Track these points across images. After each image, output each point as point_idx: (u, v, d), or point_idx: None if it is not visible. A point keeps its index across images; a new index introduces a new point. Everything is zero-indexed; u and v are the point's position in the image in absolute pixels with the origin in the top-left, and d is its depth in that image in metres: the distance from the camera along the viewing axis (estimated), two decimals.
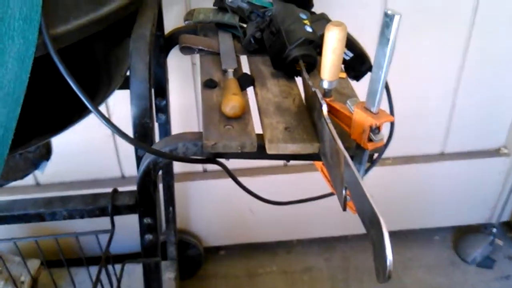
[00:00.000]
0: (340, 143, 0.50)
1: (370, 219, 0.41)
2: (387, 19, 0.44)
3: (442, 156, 1.49)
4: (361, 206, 0.43)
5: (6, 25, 0.48)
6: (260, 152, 0.62)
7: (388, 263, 0.38)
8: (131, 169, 1.38)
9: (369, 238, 0.42)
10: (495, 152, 1.50)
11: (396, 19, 0.43)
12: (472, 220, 1.64)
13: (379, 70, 0.48)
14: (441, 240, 1.65)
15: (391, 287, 1.48)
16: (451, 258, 1.59)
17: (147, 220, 0.72)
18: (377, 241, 0.40)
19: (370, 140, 0.53)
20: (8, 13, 0.48)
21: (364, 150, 0.55)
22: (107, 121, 0.55)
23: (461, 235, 1.64)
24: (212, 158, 0.66)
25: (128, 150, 1.33)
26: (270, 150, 0.61)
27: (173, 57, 1.02)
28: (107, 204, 0.71)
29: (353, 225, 1.56)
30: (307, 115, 0.66)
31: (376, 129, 0.52)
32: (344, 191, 0.50)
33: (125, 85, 0.76)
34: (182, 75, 1.23)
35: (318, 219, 1.54)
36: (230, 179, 1.33)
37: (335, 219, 1.54)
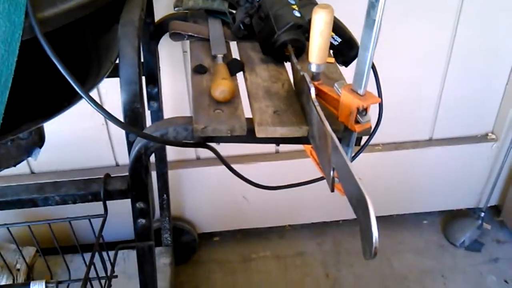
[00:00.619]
0: (327, 125, 0.51)
1: (357, 198, 0.42)
2: (373, 0, 0.45)
3: (430, 142, 1.51)
4: (349, 186, 0.44)
5: None
6: (249, 136, 0.63)
7: (374, 240, 0.39)
8: (124, 157, 1.37)
9: (357, 217, 0.43)
10: (483, 138, 1.52)
11: (382, 0, 0.44)
12: (461, 204, 1.67)
13: (365, 52, 0.49)
14: (430, 225, 1.68)
15: (381, 271, 1.51)
16: (440, 242, 1.62)
17: (139, 205, 0.73)
18: (363, 219, 0.41)
19: (357, 122, 0.54)
20: None
21: (352, 132, 0.56)
22: (97, 105, 0.56)
23: (449, 220, 1.66)
24: (202, 142, 0.66)
25: (121, 138, 1.33)
26: (259, 134, 0.62)
27: (165, 44, 1.02)
28: (99, 189, 0.71)
29: (344, 210, 1.59)
30: (296, 99, 0.67)
31: (363, 111, 0.53)
32: (332, 173, 0.51)
33: (115, 73, 0.77)
34: (174, 62, 1.23)
35: (309, 205, 1.56)
36: (223, 166, 1.34)
37: (327, 205, 1.56)
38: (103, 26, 0.69)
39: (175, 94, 1.28)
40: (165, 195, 1.32)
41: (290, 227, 1.66)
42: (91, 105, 0.55)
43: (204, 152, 1.42)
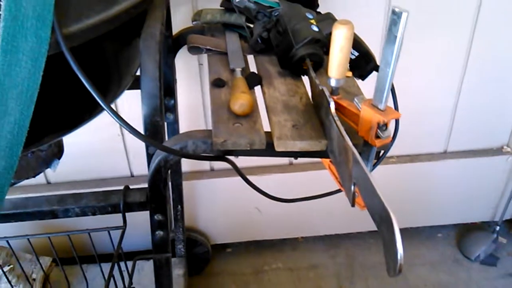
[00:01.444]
0: (348, 140, 0.51)
1: (380, 214, 0.42)
2: (395, 17, 0.45)
3: (445, 155, 1.50)
4: (371, 201, 0.44)
5: (19, 24, 0.50)
6: (268, 149, 0.63)
7: (399, 257, 0.39)
8: (140, 168, 1.39)
9: (379, 233, 0.43)
10: (498, 151, 1.51)
11: (404, 16, 0.45)
12: (475, 218, 1.65)
13: (386, 68, 0.49)
14: (444, 238, 1.67)
15: (395, 284, 1.49)
16: (454, 256, 1.60)
17: (158, 217, 0.73)
18: (387, 235, 0.41)
19: (377, 137, 0.54)
20: (21, 12, 0.50)
21: (372, 147, 0.56)
22: (120, 118, 0.56)
23: (464, 233, 1.65)
24: (221, 155, 0.67)
25: (137, 149, 1.35)
26: (278, 147, 0.62)
27: (180, 57, 1.03)
28: (119, 201, 0.72)
29: (357, 222, 1.58)
30: (314, 113, 0.67)
31: (384, 126, 0.53)
32: (352, 187, 0.51)
33: (134, 85, 0.78)
34: (189, 75, 1.24)
35: (323, 217, 1.55)
36: (236, 178, 1.34)
37: (340, 217, 1.55)
38: (125, 40, 0.70)
39: (190, 106, 1.30)
40: (179, 206, 1.32)
41: (303, 239, 1.66)
42: (114, 118, 0.56)
43: (218, 164, 1.43)
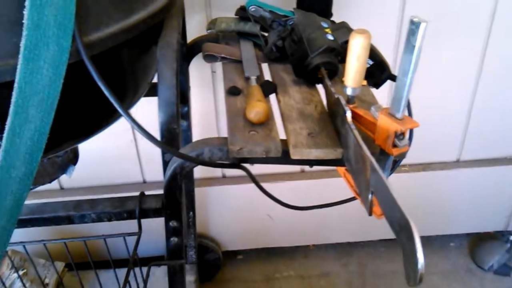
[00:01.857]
0: (366, 149, 0.51)
1: (400, 223, 0.42)
2: (413, 27, 0.46)
3: (458, 164, 1.49)
4: (390, 210, 0.44)
5: (41, 32, 0.51)
6: (284, 157, 0.64)
7: (419, 266, 0.39)
8: (152, 174, 1.40)
9: (398, 241, 0.43)
10: None
11: (422, 26, 0.45)
12: (489, 227, 1.64)
13: (404, 77, 0.49)
14: (457, 247, 1.65)
15: None
16: (467, 265, 1.58)
17: (173, 224, 0.74)
18: (407, 244, 0.41)
19: (394, 145, 0.54)
20: (43, 20, 0.50)
21: (389, 156, 0.56)
22: (138, 126, 0.57)
23: (477, 242, 1.63)
24: (237, 163, 0.67)
25: (149, 156, 1.36)
26: (294, 155, 0.62)
27: (194, 65, 1.04)
28: (135, 207, 0.73)
29: (369, 231, 1.57)
30: (330, 122, 0.67)
31: (401, 135, 0.53)
32: (370, 196, 0.51)
33: (150, 92, 0.79)
34: (203, 82, 1.25)
35: (334, 225, 1.55)
36: (248, 185, 1.35)
37: (352, 225, 1.55)
38: (142, 48, 0.71)
39: (203, 114, 1.30)
40: (191, 213, 1.33)
41: (314, 247, 1.65)
42: (133, 126, 0.57)
43: (230, 171, 1.43)
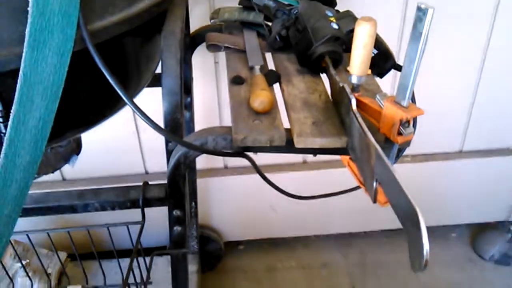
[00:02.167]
0: (371, 137, 0.51)
1: (405, 210, 0.42)
2: (420, 13, 0.45)
3: (460, 154, 1.49)
4: (395, 197, 0.44)
5: (46, 20, 0.50)
6: (288, 146, 0.64)
7: (425, 252, 0.39)
8: (154, 165, 1.40)
9: (404, 228, 0.43)
10: None
11: (430, 12, 0.45)
12: (490, 217, 1.64)
13: (410, 64, 0.49)
14: (458, 237, 1.66)
15: (408, 283, 1.49)
16: (468, 255, 1.59)
17: (176, 213, 0.74)
18: (412, 231, 0.41)
19: (400, 133, 0.54)
20: (48, 8, 0.50)
21: (393, 144, 0.56)
22: (143, 114, 0.57)
23: (478, 233, 1.63)
24: (241, 152, 0.67)
25: (151, 147, 1.36)
26: (298, 144, 0.62)
27: (196, 55, 1.04)
28: (138, 196, 0.73)
29: (370, 221, 1.58)
30: (334, 111, 0.67)
31: (406, 123, 0.53)
32: (375, 184, 0.51)
33: (153, 83, 0.78)
34: (205, 73, 1.25)
35: (335, 215, 1.55)
36: (250, 176, 1.35)
37: (353, 216, 1.55)
38: (146, 37, 0.71)
39: (206, 104, 1.30)
40: (193, 203, 1.33)
41: (315, 237, 1.66)
42: (137, 113, 0.57)
43: (232, 161, 1.43)
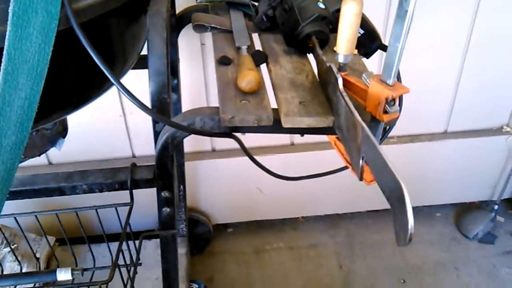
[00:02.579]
0: (357, 115, 0.52)
1: (390, 186, 0.43)
2: None
3: (445, 135, 1.52)
4: (381, 174, 0.45)
5: None
6: (275, 126, 0.64)
7: (409, 226, 0.40)
8: (141, 148, 1.40)
9: (390, 204, 0.44)
10: (498, 131, 1.52)
11: None
12: (474, 197, 1.67)
13: (396, 42, 0.50)
14: (443, 217, 1.69)
15: (394, 263, 1.52)
16: (452, 234, 1.62)
17: (164, 194, 0.74)
18: (397, 206, 0.42)
19: (385, 112, 0.54)
20: None
21: (379, 122, 0.57)
22: (129, 93, 0.57)
23: (463, 212, 1.67)
24: (228, 132, 0.67)
25: (138, 130, 1.35)
26: (286, 124, 0.63)
27: (183, 37, 1.03)
28: (126, 178, 0.73)
29: (357, 203, 1.60)
30: (321, 91, 0.67)
31: (392, 101, 0.54)
32: (361, 162, 0.52)
33: (138, 65, 0.78)
34: (192, 55, 1.24)
35: (323, 197, 1.57)
36: (238, 158, 1.35)
37: (340, 197, 1.57)
38: (131, 17, 0.70)
39: (193, 86, 1.30)
40: (181, 186, 1.33)
41: (303, 219, 1.68)
42: (123, 94, 0.56)
43: (219, 144, 1.43)
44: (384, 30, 1.26)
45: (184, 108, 1.18)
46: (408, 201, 0.40)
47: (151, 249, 1.35)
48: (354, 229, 1.64)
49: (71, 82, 0.64)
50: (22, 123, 0.54)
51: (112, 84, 0.70)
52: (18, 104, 0.53)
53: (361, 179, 0.55)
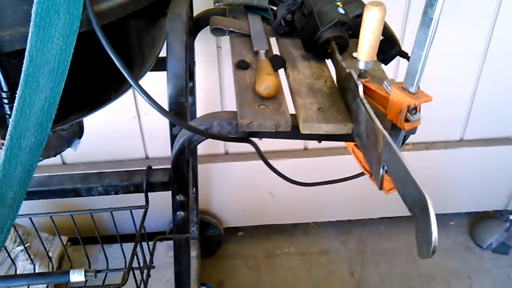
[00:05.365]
0: (378, 123, 0.51)
1: (413, 197, 0.42)
2: None
3: (461, 143, 1.50)
4: (403, 184, 0.44)
5: (52, 0, 0.50)
6: (293, 132, 0.63)
7: (433, 238, 0.39)
8: (154, 150, 1.40)
9: (412, 215, 0.43)
10: None
11: None
12: (489, 206, 1.65)
13: (419, 50, 0.49)
14: (457, 226, 1.67)
15: (406, 271, 1.50)
16: (466, 244, 1.60)
17: (179, 197, 0.74)
18: (421, 218, 0.41)
19: (407, 120, 0.54)
20: None
21: (400, 130, 0.56)
22: (148, 96, 0.56)
23: (477, 221, 1.64)
24: (246, 137, 0.67)
25: (152, 132, 1.35)
26: (304, 130, 0.62)
27: (199, 40, 1.03)
28: (142, 181, 0.72)
29: (369, 209, 1.58)
30: (339, 97, 0.67)
31: (413, 109, 0.53)
32: (381, 171, 0.51)
33: (155, 67, 0.78)
34: (207, 58, 1.24)
35: (335, 203, 1.56)
36: (251, 162, 1.35)
37: (352, 203, 1.56)
38: (151, 19, 0.70)
39: (208, 90, 1.29)
40: (194, 189, 1.33)
41: (314, 224, 1.66)
42: (142, 96, 0.56)
43: (232, 147, 1.43)
44: (401, 35, 1.25)
45: (199, 112, 1.18)
46: (432, 213, 0.40)
47: (163, 251, 1.35)
48: (366, 236, 1.62)
49: (90, 84, 0.64)
50: (42, 125, 0.54)
51: (130, 86, 0.70)
52: (38, 106, 0.53)
53: (381, 188, 0.54)
